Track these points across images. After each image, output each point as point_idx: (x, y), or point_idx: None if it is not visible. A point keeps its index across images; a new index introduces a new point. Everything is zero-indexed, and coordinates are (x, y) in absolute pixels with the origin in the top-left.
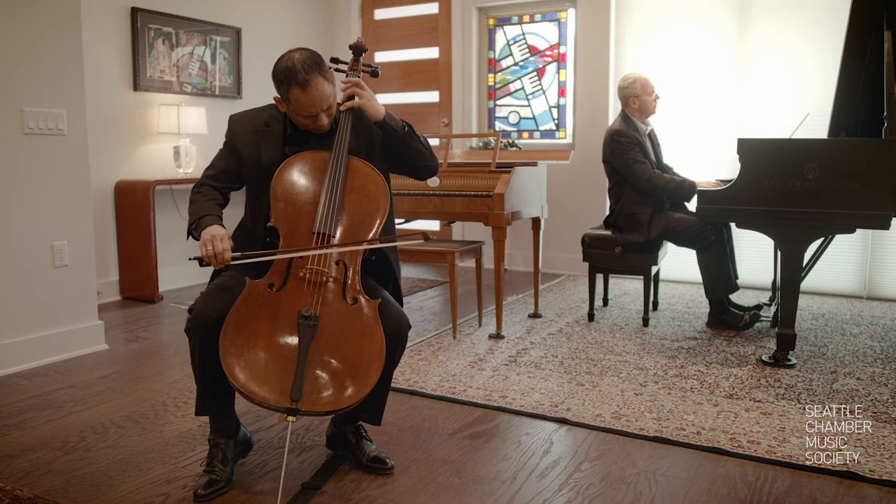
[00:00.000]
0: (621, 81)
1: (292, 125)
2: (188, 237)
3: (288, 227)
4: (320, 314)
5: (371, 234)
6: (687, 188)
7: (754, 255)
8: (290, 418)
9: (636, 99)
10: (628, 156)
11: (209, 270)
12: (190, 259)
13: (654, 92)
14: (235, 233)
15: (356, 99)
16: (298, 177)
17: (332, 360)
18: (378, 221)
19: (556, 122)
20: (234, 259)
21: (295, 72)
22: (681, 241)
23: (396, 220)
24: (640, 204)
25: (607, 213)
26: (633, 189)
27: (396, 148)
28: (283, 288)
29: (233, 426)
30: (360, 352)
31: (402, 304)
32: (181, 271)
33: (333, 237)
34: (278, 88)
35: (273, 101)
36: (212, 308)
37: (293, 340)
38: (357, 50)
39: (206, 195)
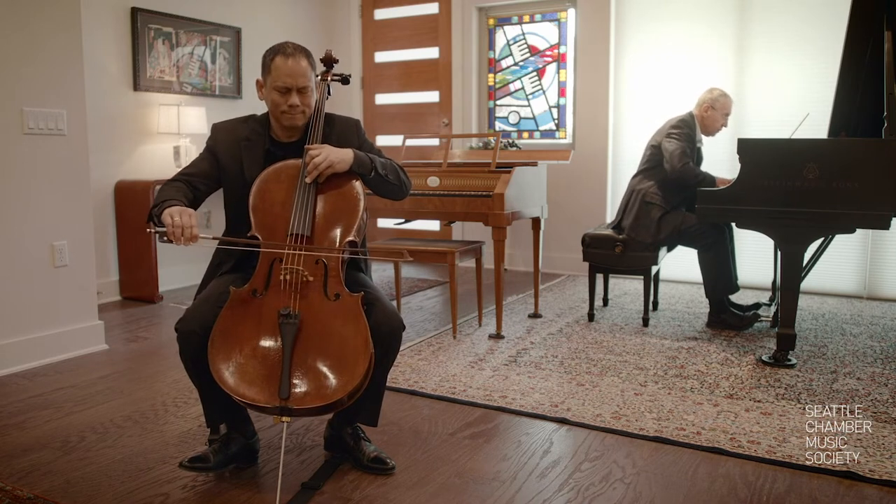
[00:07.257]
0: (711, 90)
1: (272, 141)
2: (149, 221)
3: (266, 234)
4: (300, 311)
5: (347, 233)
6: (709, 183)
7: (754, 255)
8: (285, 419)
9: (710, 108)
10: (681, 140)
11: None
12: (152, 231)
13: (727, 118)
14: (217, 249)
15: (328, 168)
16: (271, 185)
17: (317, 356)
18: (353, 220)
19: (556, 122)
20: (202, 237)
21: (284, 46)
22: (683, 241)
23: (397, 220)
24: (659, 197)
25: (618, 207)
26: (662, 182)
27: (368, 186)
28: (266, 292)
29: (249, 429)
30: (345, 345)
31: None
32: (181, 271)
33: (309, 236)
34: (263, 62)
35: (252, 114)
36: (195, 324)
37: (276, 341)
38: (327, 62)
39: (176, 187)
